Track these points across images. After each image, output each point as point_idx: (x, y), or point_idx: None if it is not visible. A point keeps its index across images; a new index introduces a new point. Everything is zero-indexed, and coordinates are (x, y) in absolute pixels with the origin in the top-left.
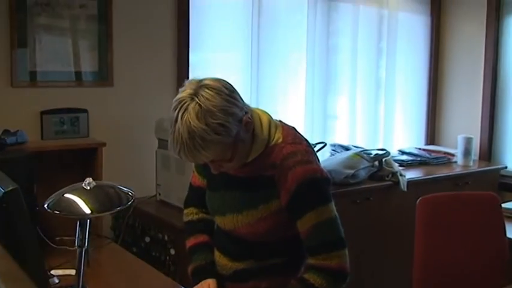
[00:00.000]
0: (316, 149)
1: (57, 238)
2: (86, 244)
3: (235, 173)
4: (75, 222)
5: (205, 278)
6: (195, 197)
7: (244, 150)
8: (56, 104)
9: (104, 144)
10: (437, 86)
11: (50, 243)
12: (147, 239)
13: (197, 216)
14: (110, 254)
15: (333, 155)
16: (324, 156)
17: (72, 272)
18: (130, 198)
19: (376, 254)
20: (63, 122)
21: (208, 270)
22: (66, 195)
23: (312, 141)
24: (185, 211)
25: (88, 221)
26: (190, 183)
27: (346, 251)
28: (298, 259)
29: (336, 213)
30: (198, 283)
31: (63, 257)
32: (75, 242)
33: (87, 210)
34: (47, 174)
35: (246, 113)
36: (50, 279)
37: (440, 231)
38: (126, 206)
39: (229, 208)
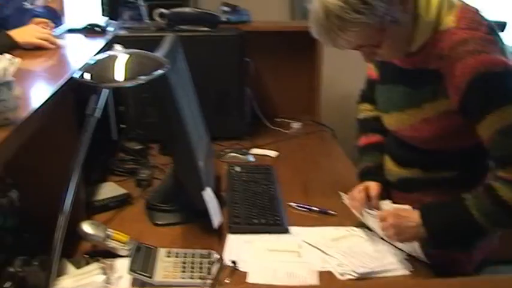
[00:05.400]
0: None
1: (277, 119)
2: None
3: (402, 65)
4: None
5: (369, 181)
6: (371, 91)
7: (401, 35)
8: None
9: None
10: None
11: (266, 122)
12: None
13: (372, 113)
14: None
15: None
16: None
17: (272, 153)
18: (162, 67)
19: None
20: None
21: (374, 173)
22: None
23: None
24: (360, 107)
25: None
26: (367, 76)
27: None
28: (473, 175)
29: None
30: None
31: (273, 137)
32: (290, 125)
33: (119, 78)
34: (269, 55)
35: None
36: (245, 156)
37: None
38: (152, 76)
39: (393, 105)
